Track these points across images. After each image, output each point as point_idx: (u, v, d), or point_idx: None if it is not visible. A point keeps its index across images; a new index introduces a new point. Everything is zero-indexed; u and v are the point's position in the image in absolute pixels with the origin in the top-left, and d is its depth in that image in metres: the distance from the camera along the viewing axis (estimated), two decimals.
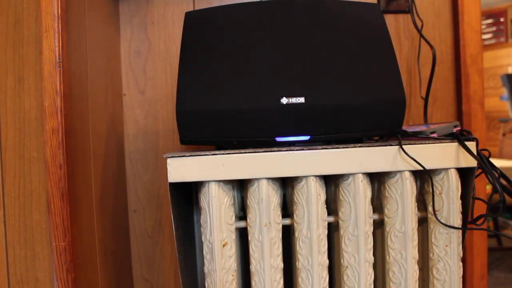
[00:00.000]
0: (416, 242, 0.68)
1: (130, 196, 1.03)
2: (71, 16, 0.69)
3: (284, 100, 0.65)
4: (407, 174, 0.67)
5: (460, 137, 0.67)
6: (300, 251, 0.68)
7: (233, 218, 0.68)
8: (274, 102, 0.65)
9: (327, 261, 0.69)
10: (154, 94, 1.03)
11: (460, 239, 0.69)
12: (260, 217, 0.66)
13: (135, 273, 1.03)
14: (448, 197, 0.67)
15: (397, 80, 0.68)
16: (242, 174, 0.65)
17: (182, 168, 0.65)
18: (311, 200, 0.66)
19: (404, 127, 0.77)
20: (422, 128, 0.74)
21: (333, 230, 0.75)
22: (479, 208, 0.95)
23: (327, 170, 0.66)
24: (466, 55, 1.05)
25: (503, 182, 0.66)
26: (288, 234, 0.74)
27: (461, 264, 0.69)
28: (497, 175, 0.66)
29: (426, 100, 0.98)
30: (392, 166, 0.66)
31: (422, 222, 0.73)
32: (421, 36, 0.97)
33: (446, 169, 0.67)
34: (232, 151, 0.65)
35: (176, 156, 0.65)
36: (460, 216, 0.68)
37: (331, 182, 0.73)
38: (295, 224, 0.69)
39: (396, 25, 1.07)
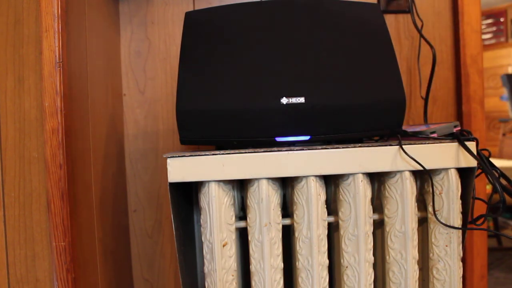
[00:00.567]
0: (416, 242, 0.68)
1: (130, 196, 1.03)
2: (71, 16, 0.69)
3: (284, 100, 0.65)
4: (407, 174, 0.67)
5: (460, 137, 0.67)
6: (300, 251, 0.68)
7: (233, 218, 0.68)
8: (274, 102, 0.65)
9: (327, 261, 0.69)
10: (154, 94, 1.03)
11: (460, 239, 0.69)
12: (260, 217, 0.66)
13: (135, 273, 1.03)
14: (448, 197, 0.67)
15: (397, 80, 0.68)
16: (242, 174, 0.65)
17: (182, 168, 0.65)
18: (311, 200, 0.66)
19: (404, 127, 0.77)
20: (422, 128, 0.74)
21: (333, 230, 0.75)
22: (479, 208, 0.95)
23: (327, 170, 0.66)
24: (466, 55, 1.05)
25: (503, 182, 0.66)
26: (288, 234, 0.74)
27: (461, 264, 0.69)
28: (497, 175, 0.66)
29: (426, 100, 0.98)
30: (392, 166, 0.66)
31: (422, 222, 0.73)
32: (421, 36, 0.97)
33: (446, 169, 0.67)
34: (232, 151, 0.65)
35: (176, 156, 0.65)
36: (460, 216, 0.68)
37: (331, 182, 0.73)
38: (295, 224, 0.69)
39: (396, 25, 1.07)
